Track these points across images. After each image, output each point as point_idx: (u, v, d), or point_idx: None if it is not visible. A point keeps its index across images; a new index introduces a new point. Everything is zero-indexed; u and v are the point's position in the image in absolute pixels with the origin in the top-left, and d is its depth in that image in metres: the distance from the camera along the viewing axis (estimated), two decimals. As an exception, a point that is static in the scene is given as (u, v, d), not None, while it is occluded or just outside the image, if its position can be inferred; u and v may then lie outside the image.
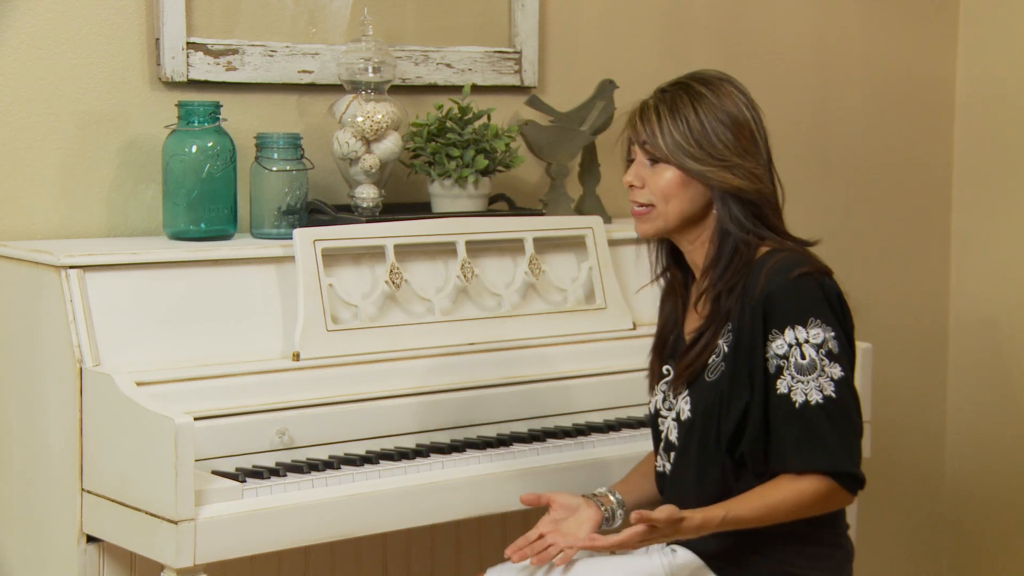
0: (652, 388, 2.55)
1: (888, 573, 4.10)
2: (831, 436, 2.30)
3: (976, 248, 4.09)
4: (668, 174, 2.40)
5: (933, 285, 4.13)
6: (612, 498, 2.52)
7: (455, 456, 2.67)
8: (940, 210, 4.12)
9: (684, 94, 2.41)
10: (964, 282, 4.12)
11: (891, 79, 3.99)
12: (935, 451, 4.16)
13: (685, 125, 2.39)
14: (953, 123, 4.12)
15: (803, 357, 2.32)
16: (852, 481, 2.33)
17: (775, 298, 2.33)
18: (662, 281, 2.56)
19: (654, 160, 2.41)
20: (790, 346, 2.32)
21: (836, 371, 2.32)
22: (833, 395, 2.31)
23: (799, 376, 2.31)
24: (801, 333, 2.32)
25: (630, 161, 2.47)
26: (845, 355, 2.34)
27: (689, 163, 2.38)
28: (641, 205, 2.43)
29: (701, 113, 2.39)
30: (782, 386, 2.33)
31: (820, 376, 2.31)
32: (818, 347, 2.32)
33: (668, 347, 2.53)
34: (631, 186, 2.43)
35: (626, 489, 2.56)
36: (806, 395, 2.31)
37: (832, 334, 2.33)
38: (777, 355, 2.33)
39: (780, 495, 2.31)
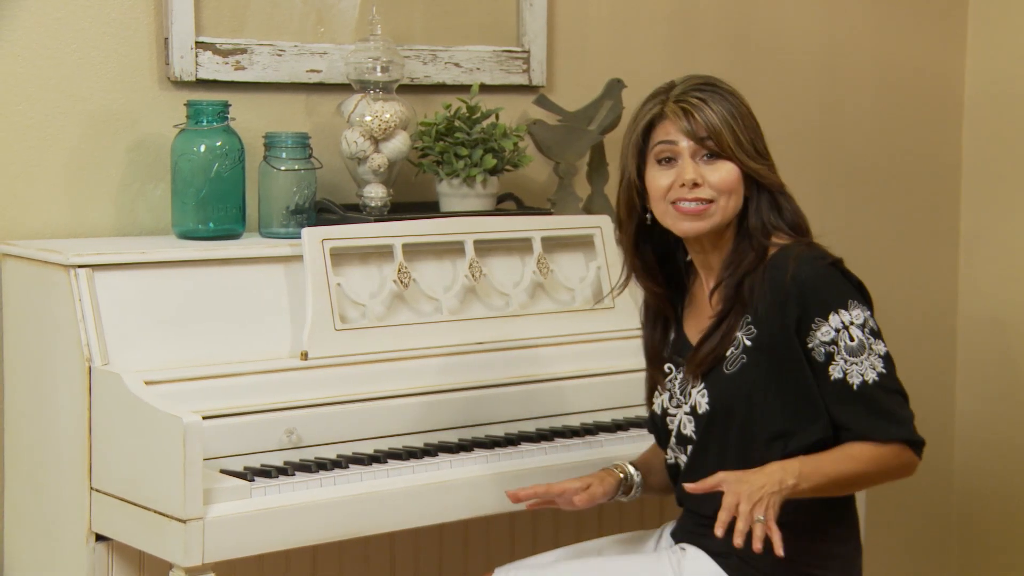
0: (651, 397, 2.55)
1: (896, 572, 4.09)
2: (895, 408, 2.33)
3: (985, 247, 4.09)
4: (729, 168, 2.38)
5: (942, 284, 4.12)
6: (627, 467, 2.57)
7: (463, 455, 2.67)
8: (949, 209, 4.12)
9: (723, 92, 2.40)
10: (973, 281, 4.12)
11: (900, 78, 3.98)
12: (944, 450, 4.15)
13: (737, 121, 2.38)
14: (962, 122, 4.11)
15: (851, 339, 2.33)
16: (919, 446, 2.35)
17: (810, 287, 2.33)
18: (639, 287, 2.54)
19: (712, 155, 2.38)
20: (837, 331, 2.33)
21: (881, 347, 2.34)
22: (884, 371, 2.33)
23: (851, 359, 2.32)
24: (845, 316, 2.33)
25: (666, 161, 2.40)
26: (880, 331, 2.36)
27: (746, 159, 2.38)
28: (700, 201, 2.38)
29: (742, 110, 2.40)
30: (835, 371, 2.33)
31: (870, 355, 2.33)
32: (862, 327, 2.34)
33: (669, 348, 2.52)
34: (695, 184, 2.37)
35: (640, 460, 2.62)
36: (862, 376, 2.32)
37: (868, 313, 2.36)
38: (824, 342, 2.33)
39: (858, 449, 2.32)
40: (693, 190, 2.38)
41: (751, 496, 2.25)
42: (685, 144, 2.39)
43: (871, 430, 2.32)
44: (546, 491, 2.49)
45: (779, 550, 2.22)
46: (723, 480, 2.28)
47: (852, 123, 3.91)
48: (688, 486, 2.34)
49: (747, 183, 2.40)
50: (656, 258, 2.50)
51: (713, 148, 2.38)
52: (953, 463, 4.17)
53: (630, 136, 2.45)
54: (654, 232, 2.47)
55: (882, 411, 2.32)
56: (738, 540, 2.24)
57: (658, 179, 2.41)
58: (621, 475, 2.55)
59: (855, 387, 2.32)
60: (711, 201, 2.38)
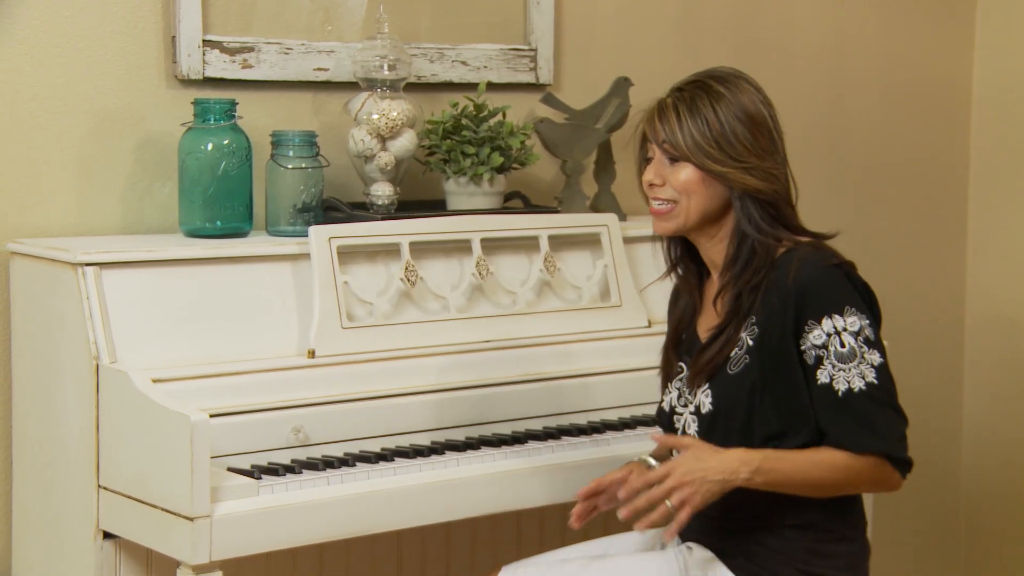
0: (665, 386, 2.55)
1: (904, 572, 4.09)
2: (879, 421, 2.31)
3: (992, 246, 4.08)
4: (688, 172, 2.39)
5: (949, 283, 4.12)
6: (649, 459, 2.55)
7: (470, 454, 2.67)
8: (956, 208, 4.11)
9: (703, 93, 2.40)
10: (980, 280, 4.11)
11: (907, 77, 3.98)
12: (951, 449, 4.15)
13: (705, 125, 2.38)
14: (970, 121, 4.10)
15: (843, 345, 2.32)
16: (903, 465, 2.34)
17: (809, 289, 2.33)
18: (673, 277, 2.55)
19: (674, 159, 2.40)
20: (828, 335, 2.32)
21: (875, 358, 2.33)
22: (875, 381, 2.31)
23: (840, 364, 2.32)
24: (839, 322, 2.32)
25: (647, 160, 2.45)
26: (880, 342, 2.35)
27: (709, 164, 2.38)
28: (662, 202, 2.42)
29: (720, 112, 2.38)
30: (823, 376, 2.32)
31: (860, 363, 2.32)
32: (856, 334, 2.32)
33: (683, 344, 2.52)
34: (651, 184, 2.42)
35: (657, 454, 2.59)
36: (848, 383, 2.31)
37: (867, 322, 2.34)
38: (815, 345, 2.32)
39: (829, 455, 2.31)
40: (652, 190, 2.42)
41: (683, 475, 2.27)
42: (655, 145, 2.43)
43: (845, 439, 2.31)
44: (597, 484, 2.43)
45: (667, 534, 2.27)
46: (688, 445, 2.33)
47: (859, 123, 3.91)
48: (655, 436, 2.39)
49: (727, 187, 2.40)
50: (683, 250, 2.52)
51: (670, 151, 2.40)
52: (961, 462, 4.16)
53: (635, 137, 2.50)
54: None
55: (863, 421, 2.31)
56: (622, 512, 2.28)
57: (642, 177, 2.47)
58: (648, 468, 2.54)
59: (840, 393, 2.31)
60: (674, 202, 2.40)
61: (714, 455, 2.30)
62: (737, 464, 2.29)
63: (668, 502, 2.26)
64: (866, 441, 2.31)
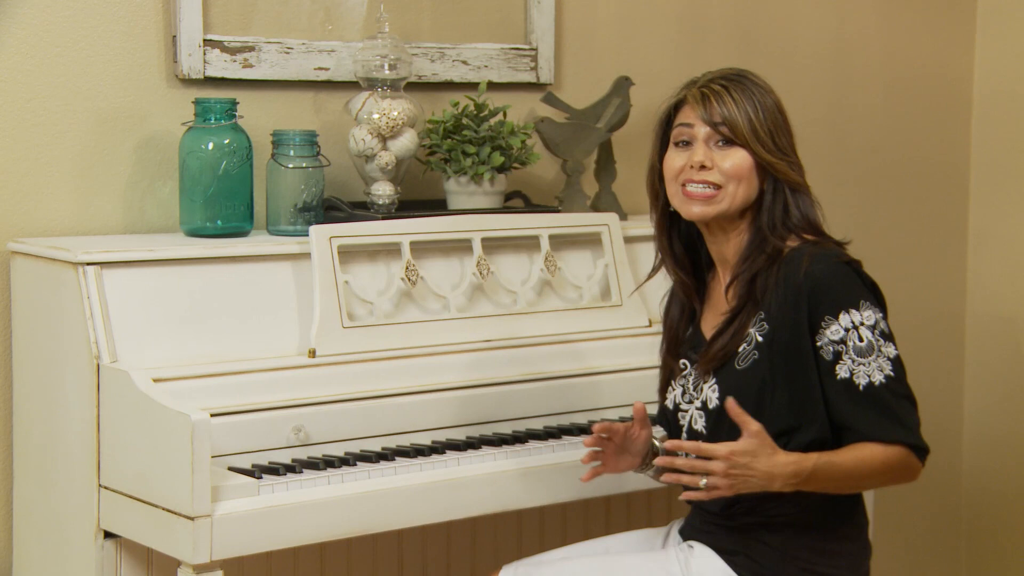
0: (664, 389, 2.55)
1: (905, 571, 4.09)
2: (902, 412, 2.32)
3: (993, 245, 4.08)
4: (742, 156, 2.39)
5: (950, 282, 4.12)
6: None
7: (471, 453, 2.67)
8: (957, 207, 4.11)
9: (748, 83, 2.41)
10: (981, 279, 4.11)
11: (908, 76, 3.98)
12: (952, 449, 4.15)
13: (761, 111, 2.39)
14: (971, 120, 4.10)
15: (861, 340, 2.32)
16: (923, 452, 2.35)
17: (822, 285, 2.33)
18: (666, 276, 2.54)
19: (727, 142, 2.39)
20: (847, 330, 2.32)
21: (891, 350, 2.34)
22: (892, 374, 2.33)
23: (859, 359, 2.32)
24: (856, 316, 2.33)
25: (676, 145, 2.43)
26: (892, 335, 2.36)
27: (761, 150, 2.39)
28: (707, 185, 2.40)
29: (767, 104, 2.40)
30: (842, 371, 2.33)
31: (879, 357, 2.33)
32: (872, 328, 2.33)
33: (685, 344, 2.52)
34: (703, 166, 2.39)
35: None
36: (869, 377, 2.32)
37: (880, 315, 2.35)
38: (833, 341, 2.33)
39: (869, 451, 2.31)
40: (701, 172, 2.39)
41: (732, 466, 2.24)
42: (700, 128, 2.41)
43: (876, 431, 2.31)
44: (609, 426, 2.42)
45: (683, 495, 2.28)
46: (758, 434, 2.26)
47: (861, 121, 3.91)
48: (732, 407, 2.29)
49: (764, 177, 2.41)
50: (683, 247, 2.51)
51: (727, 134, 2.39)
52: (961, 461, 4.16)
53: (655, 122, 2.48)
54: (680, 221, 2.48)
55: (887, 413, 2.32)
56: (659, 460, 2.29)
57: (672, 160, 2.44)
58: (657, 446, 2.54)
59: (861, 388, 2.32)
60: (720, 187, 2.39)
61: (768, 458, 2.27)
62: (788, 474, 2.27)
63: (702, 481, 2.26)
64: (894, 432, 2.32)
